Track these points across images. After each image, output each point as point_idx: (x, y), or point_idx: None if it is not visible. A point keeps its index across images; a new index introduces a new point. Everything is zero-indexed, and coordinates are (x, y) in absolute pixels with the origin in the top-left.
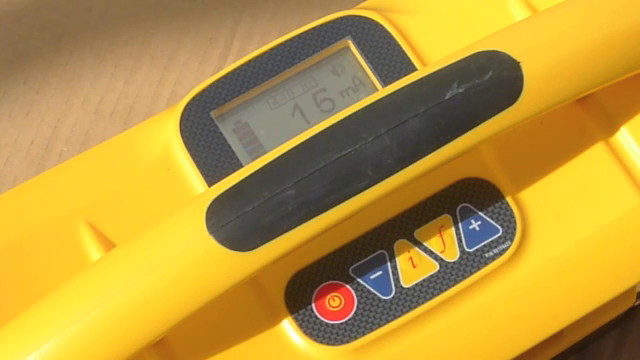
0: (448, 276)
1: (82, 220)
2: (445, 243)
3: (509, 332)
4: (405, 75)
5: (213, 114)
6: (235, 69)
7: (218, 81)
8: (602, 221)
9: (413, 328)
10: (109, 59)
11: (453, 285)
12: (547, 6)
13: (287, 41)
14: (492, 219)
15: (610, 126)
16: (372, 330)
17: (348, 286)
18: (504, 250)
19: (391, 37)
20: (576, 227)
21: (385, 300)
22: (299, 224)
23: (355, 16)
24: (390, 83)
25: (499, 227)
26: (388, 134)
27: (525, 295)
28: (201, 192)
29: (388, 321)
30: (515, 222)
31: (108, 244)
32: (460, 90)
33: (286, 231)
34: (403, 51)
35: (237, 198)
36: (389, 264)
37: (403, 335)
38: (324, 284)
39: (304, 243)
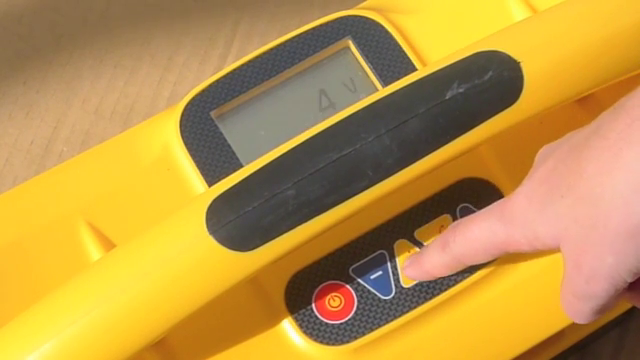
0: (448, 276)
1: (82, 220)
2: None
3: (509, 332)
4: (405, 75)
5: (213, 114)
6: (235, 69)
7: (218, 81)
8: None
9: (413, 328)
10: (109, 59)
11: (453, 285)
12: (547, 6)
13: (287, 41)
14: None
15: None
16: (372, 330)
17: (348, 286)
18: None
19: (391, 37)
20: None
21: (385, 300)
22: (299, 224)
23: (355, 16)
24: (390, 83)
25: None
26: (388, 134)
27: (525, 295)
28: (201, 192)
29: (388, 321)
30: None
31: (108, 244)
32: (460, 90)
33: (286, 231)
34: (403, 51)
35: (237, 198)
36: (389, 264)
37: (403, 335)
38: (324, 284)
39: (304, 243)
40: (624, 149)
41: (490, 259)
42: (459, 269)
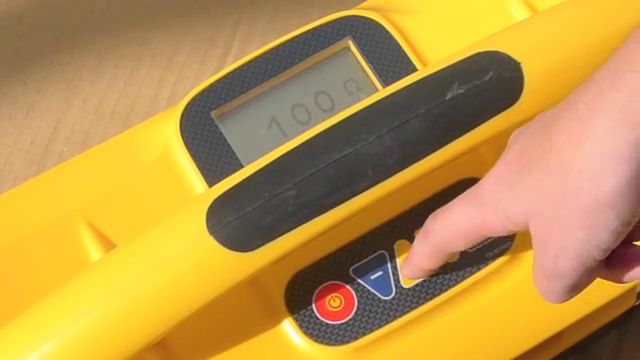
0: (448, 276)
1: (82, 220)
2: None
3: (509, 332)
4: (405, 75)
5: (213, 114)
6: (235, 69)
7: (218, 81)
8: None
9: (413, 328)
10: (109, 59)
11: (453, 285)
12: (547, 6)
13: (287, 41)
14: None
15: None
16: (372, 330)
17: (348, 286)
18: (504, 250)
19: (391, 37)
20: None
21: (385, 300)
22: (299, 224)
23: (355, 16)
24: (390, 83)
25: None
26: (389, 134)
27: (525, 295)
28: (201, 192)
29: (388, 321)
30: None
31: (108, 244)
32: (460, 90)
33: (286, 231)
34: (403, 51)
35: (237, 198)
36: (389, 264)
37: (403, 335)
38: (324, 284)
39: (304, 243)
40: (593, 119)
41: (470, 245)
42: (442, 258)
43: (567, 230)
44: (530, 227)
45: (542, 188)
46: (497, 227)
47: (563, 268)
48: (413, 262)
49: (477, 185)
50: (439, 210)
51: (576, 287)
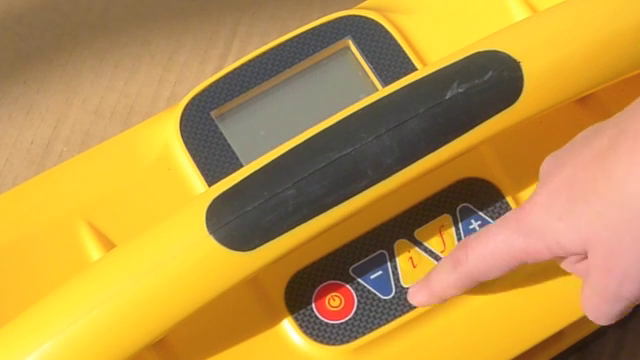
0: None
1: (82, 220)
2: (445, 243)
3: (509, 332)
4: (405, 75)
5: (213, 114)
6: (235, 69)
7: (218, 81)
8: None
9: (413, 328)
10: (109, 59)
11: None
12: (547, 6)
13: (287, 41)
14: (492, 219)
15: None
16: (372, 330)
17: (348, 286)
18: None
19: (391, 37)
20: None
21: (385, 300)
22: (299, 224)
23: (355, 16)
24: (390, 83)
25: None
26: (388, 134)
27: (525, 295)
28: (201, 192)
29: (388, 321)
30: None
31: (108, 244)
32: (460, 90)
33: (286, 231)
34: (403, 51)
35: (237, 198)
36: (389, 264)
37: (403, 335)
38: (324, 284)
39: (304, 243)
40: None
41: (505, 273)
42: (472, 287)
43: (632, 257)
44: (589, 255)
45: (602, 219)
46: (544, 254)
47: (627, 293)
48: (434, 291)
49: (519, 213)
50: (470, 239)
51: (631, 308)
